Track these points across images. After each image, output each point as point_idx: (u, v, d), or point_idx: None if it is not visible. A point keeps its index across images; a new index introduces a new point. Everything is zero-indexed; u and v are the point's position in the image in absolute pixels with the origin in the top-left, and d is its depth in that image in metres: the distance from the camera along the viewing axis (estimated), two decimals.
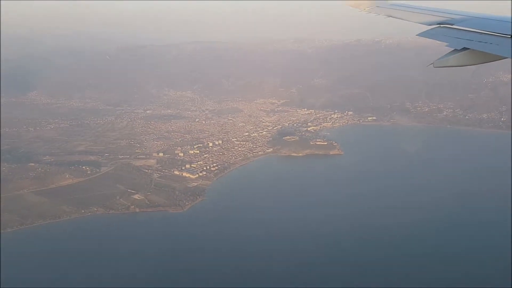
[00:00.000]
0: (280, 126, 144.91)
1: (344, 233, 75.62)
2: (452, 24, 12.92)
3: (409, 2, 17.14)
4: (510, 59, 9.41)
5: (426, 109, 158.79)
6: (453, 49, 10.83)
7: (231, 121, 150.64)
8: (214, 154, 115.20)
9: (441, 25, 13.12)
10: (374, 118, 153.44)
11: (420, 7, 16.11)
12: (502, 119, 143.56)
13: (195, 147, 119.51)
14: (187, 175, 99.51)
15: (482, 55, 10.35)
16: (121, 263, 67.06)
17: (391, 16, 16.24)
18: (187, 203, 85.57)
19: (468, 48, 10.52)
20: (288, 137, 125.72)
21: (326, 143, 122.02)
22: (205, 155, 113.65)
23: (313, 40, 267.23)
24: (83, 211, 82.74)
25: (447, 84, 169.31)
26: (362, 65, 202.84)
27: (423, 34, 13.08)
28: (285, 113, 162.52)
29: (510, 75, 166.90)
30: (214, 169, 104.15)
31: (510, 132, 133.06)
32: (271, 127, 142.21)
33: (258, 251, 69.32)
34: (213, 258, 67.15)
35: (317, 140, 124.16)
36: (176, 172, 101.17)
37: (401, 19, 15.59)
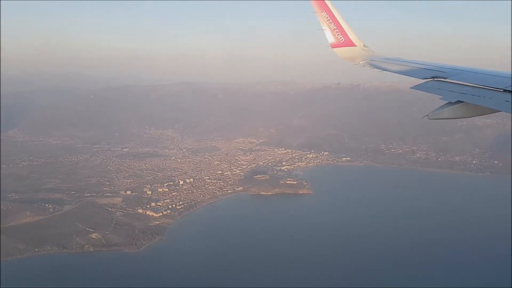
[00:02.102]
0: (254, 165, 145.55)
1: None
2: (445, 78, 13.14)
3: (401, 56, 17.58)
4: (503, 112, 9.65)
5: (400, 151, 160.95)
6: (447, 102, 11.06)
7: (207, 159, 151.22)
8: (183, 192, 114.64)
9: (435, 78, 13.34)
10: (348, 158, 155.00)
11: (413, 60, 16.44)
12: (474, 161, 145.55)
13: (165, 185, 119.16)
14: (151, 213, 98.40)
15: (476, 108, 10.57)
16: None
17: (385, 70, 16.57)
18: (144, 242, 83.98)
19: (462, 101, 10.75)
20: (259, 176, 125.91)
21: (296, 182, 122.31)
22: (173, 193, 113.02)
23: (296, 82, 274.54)
24: (36, 249, 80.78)
25: (422, 127, 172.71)
26: (341, 108, 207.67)
27: (417, 87, 13.20)
28: (262, 152, 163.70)
29: (483, 119, 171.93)
30: (180, 207, 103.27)
31: (479, 174, 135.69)
32: (245, 166, 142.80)
33: None
34: None
35: (288, 179, 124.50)
36: (140, 211, 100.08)
37: (396, 72, 15.89)
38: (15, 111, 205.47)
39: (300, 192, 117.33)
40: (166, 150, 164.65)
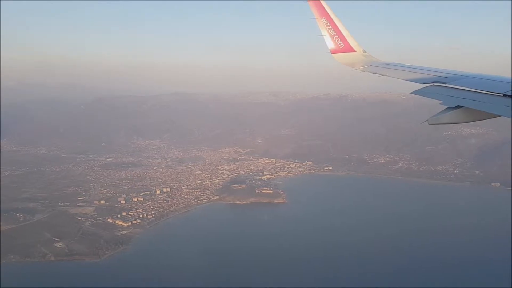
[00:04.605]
0: (235, 174, 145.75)
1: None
2: (445, 83, 13.09)
3: (402, 62, 17.52)
4: (503, 117, 9.65)
5: (382, 161, 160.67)
6: (446, 107, 11.03)
7: (190, 169, 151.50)
8: (158, 202, 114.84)
9: (435, 84, 13.30)
10: (330, 168, 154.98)
11: (413, 66, 16.36)
12: (455, 171, 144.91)
13: (141, 194, 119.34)
14: (120, 223, 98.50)
15: (476, 113, 10.51)
16: None
17: (385, 75, 16.48)
18: (107, 252, 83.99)
19: (462, 106, 10.73)
20: (236, 185, 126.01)
21: (271, 191, 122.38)
22: (147, 203, 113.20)
23: (288, 93, 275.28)
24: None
25: (407, 138, 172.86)
26: (328, 118, 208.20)
27: (417, 92, 13.17)
28: (246, 162, 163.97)
29: (469, 129, 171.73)
30: (151, 217, 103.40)
31: (458, 183, 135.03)
32: (226, 176, 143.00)
33: None
34: None
35: (264, 188, 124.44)
36: (110, 220, 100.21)
37: (395, 77, 15.77)
38: (7, 122, 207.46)
39: (275, 201, 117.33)
40: (150, 160, 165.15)
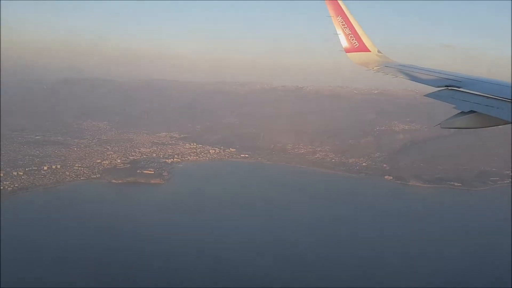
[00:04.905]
0: (145, 156, 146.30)
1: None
2: (459, 87, 13.02)
3: (416, 64, 17.59)
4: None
5: (302, 151, 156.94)
6: (460, 111, 11.05)
7: (106, 149, 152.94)
8: (34, 176, 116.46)
9: (449, 87, 13.26)
10: (247, 155, 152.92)
11: (428, 68, 16.34)
12: (363, 164, 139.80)
13: (26, 169, 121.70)
14: None
15: (489, 119, 10.50)
16: None
17: (399, 77, 16.60)
18: None
19: (475, 111, 10.76)
20: (121, 165, 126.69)
21: (153, 172, 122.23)
22: (23, 177, 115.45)
23: (256, 83, 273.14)
24: None
25: (338, 130, 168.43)
26: (276, 108, 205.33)
27: (431, 95, 13.18)
28: (170, 146, 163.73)
29: (402, 125, 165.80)
30: (10, 189, 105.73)
31: (353, 175, 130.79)
32: (133, 158, 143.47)
33: None
34: None
35: (148, 169, 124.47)
36: None
37: (409, 79, 15.82)
38: None
39: (152, 182, 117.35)
40: (76, 140, 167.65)
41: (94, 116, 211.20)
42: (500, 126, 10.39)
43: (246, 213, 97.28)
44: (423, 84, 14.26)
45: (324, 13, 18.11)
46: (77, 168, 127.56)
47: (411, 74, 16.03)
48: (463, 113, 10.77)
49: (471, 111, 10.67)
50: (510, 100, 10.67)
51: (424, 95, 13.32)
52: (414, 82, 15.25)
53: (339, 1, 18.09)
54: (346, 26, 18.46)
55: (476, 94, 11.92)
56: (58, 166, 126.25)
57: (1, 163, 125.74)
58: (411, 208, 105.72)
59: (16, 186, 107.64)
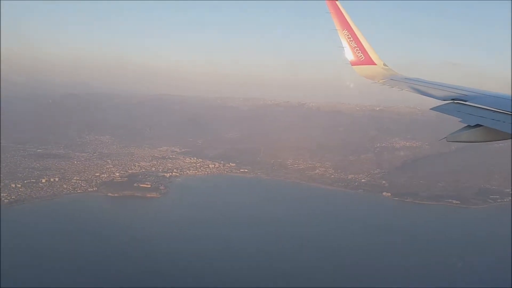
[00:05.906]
0: (144, 170, 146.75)
1: None
2: (465, 101, 12.88)
3: (422, 77, 17.66)
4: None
5: (302, 166, 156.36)
6: (466, 125, 10.92)
7: (106, 163, 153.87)
8: (32, 189, 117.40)
9: (455, 101, 13.15)
10: (246, 170, 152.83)
11: (434, 82, 16.34)
12: (362, 180, 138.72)
13: (25, 182, 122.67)
14: None
15: (495, 133, 10.40)
16: None
17: (404, 89, 16.60)
18: None
19: (481, 125, 10.63)
20: (119, 178, 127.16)
21: (150, 186, 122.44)
22: (21, 189, 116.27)
23: (259, 99, 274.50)
24: None
25: (338, 146, 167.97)
26: (278, 123, 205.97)
27: (437, 109, 13.10)
28: (170, 160, 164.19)
29: (403, 141, 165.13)
30: (7, 201, 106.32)
31: (351, 191, 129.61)
32: (132, 171, 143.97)
33: None
34: None
35: (145, 183, 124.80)
36: None
37: (415, 93, 15.74)
38: None
39: (148, 195, 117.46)
40: (78, 153, 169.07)
41: (98, 130, 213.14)
42: (501, 143, 10.19)
43: (238, 226, 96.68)
44: (428, 98, 14.04)
45: (330, 27, 18.26)
46: (75, 181, 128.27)
47: (417, 87, 15.85)
48: (469, 126, 10.52)
49: (477, 125, 10.41)
50: None
51: (430, 108, 13.18)
52: (419, 95, 15.00)
53: (345, 15, 18.14)
54: (352, 39, 18.51)
55: (483, 108, 11.67)
56: (56, 179, 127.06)
57: (1, 175, 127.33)
58: (402, 225, 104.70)
59: (13, 198, 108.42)
